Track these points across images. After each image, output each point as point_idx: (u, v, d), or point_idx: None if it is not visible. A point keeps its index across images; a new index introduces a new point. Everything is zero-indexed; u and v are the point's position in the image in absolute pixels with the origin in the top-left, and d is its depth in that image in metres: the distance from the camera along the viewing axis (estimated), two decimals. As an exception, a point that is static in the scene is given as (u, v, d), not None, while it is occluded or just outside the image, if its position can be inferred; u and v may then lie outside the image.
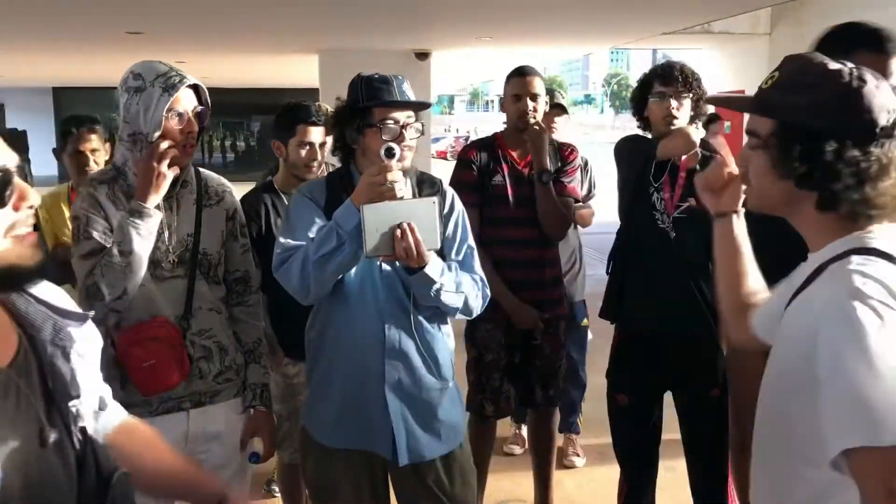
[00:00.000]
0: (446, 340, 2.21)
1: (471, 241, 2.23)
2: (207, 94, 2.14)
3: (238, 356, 2.26)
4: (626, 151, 2.89)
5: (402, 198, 1.95)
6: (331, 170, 2.56)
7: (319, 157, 2.89)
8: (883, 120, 1.24)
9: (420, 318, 2.12)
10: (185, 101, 2.06)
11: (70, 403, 1.20)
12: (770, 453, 1.38)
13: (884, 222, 1.29)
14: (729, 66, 14.19)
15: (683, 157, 2.70)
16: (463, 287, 2.09)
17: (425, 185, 2.22)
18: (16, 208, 1.12)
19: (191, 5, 6.26)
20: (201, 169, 2.27)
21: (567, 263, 3.83)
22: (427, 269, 1.96)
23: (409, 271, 1.98)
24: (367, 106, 2.07)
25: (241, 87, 17.76)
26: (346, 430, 2.13)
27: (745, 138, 1.39)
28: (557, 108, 4.06)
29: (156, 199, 2.03)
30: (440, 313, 2.16)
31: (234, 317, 2.28)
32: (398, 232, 1.88)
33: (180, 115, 2.04)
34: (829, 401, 1.18)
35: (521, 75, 3.14)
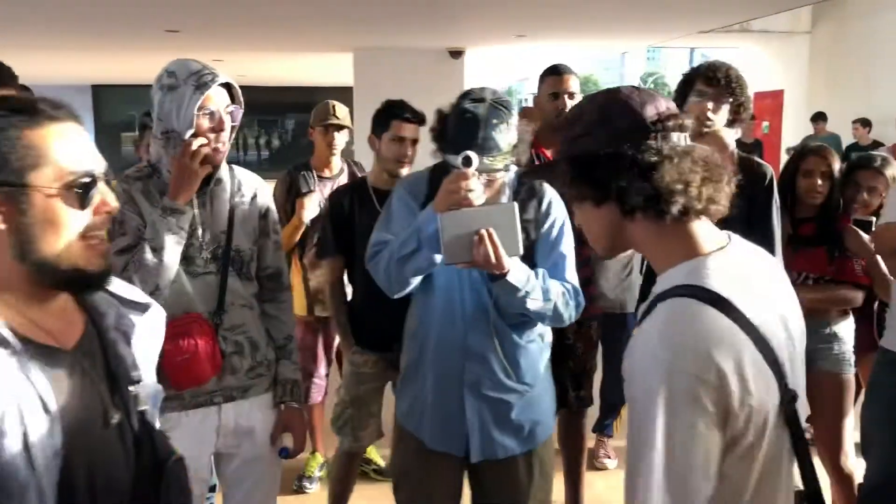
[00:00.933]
0: (531, 347, 2.20)
1: (565, 248, 2.19)
2: (240, 92, 2.14)
3: (269, 352, 2.27)
4: None
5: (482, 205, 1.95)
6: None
7: (410, 153, 3.02)
8: (650, 115, 1.24)
9: (502, 324, 2.14)
10: (218, 100, 2.07)
11: (130, 388, 1.26)
12: None
13: (702, 220, 1.25)
14: (768, 65, 13.97)
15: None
16: (551, 295, 2.07)
17: (524, 188, 2.21)
18: (95, 212, 1.16)
19: (228, 4, 6.33)
20: (235, 167, 2.29)
21: (622, 272, 3.77)
22: (509, 276, 1.95)
23: (493, 278, 1.99)
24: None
25: (276, 85, 17.93)
26: (426, 424, 2.21)
27: None
28: None
29: (188, 196, 2.05)
30: (528, 321, 2.16)
31: (266, 313, 2.29)
32: (476, 238, 1.88)
33: (212, 113, 2.05)
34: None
35: (557, 73, 3.15)
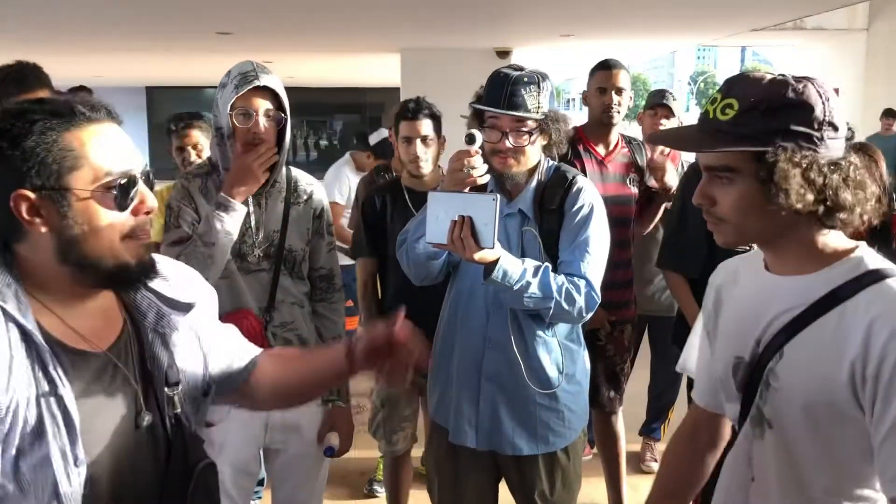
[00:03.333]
0: (552, 344, 2.17)
1: (589, 238, 2.12)
2: (286, 100, 2.15)
3: None
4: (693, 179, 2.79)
5: (483, 189, 1.99)
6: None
7: (422, 152, 2.94)
8: (841, 123, 1.23)
9: (520, 316, 2.13)
10: (257, 103, 2.09)
11: (166, 389, 1.25)
12: (802, 489, 1.29)
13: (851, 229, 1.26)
14: (823, 63, 13.66)
15: None
16: (551, 291, 2.02)
17: (556, 175, 2.20)
18: (135, 213, 1.16)
19: (278, 6, 6.40)
20: (292, 167, 2.32)
21: None
22: (495, 273, 1.94)
23: (484, 274, 1.98)
24: (479, 109, 2.13)
25: (325, 86, 18.08)
26: (452, 415, 2.21)
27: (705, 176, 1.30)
28: (665, 109, 3.86)
29: (244, 195, 2.09)
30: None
31: (316, 312, 2.32)
32: (451, 223, 1.90)
33: (246, 114, 2.08)
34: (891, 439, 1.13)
35: (606, 68, 3.12)
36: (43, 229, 1.10)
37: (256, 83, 2.06)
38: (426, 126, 2.91)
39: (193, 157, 3.31)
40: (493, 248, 1.91)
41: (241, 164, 2.07)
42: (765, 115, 1.20)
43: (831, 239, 1.27)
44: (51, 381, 1.09)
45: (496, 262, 1.95)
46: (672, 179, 3.29)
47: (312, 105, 18.81)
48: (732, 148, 1.22)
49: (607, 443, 3.32)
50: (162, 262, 1.30)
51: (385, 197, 2.99)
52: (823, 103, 1.21)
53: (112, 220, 1.13)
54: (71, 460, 1.09)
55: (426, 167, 2.93)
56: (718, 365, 1.42)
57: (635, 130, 4.28)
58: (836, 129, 1.22)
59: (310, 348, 1.61)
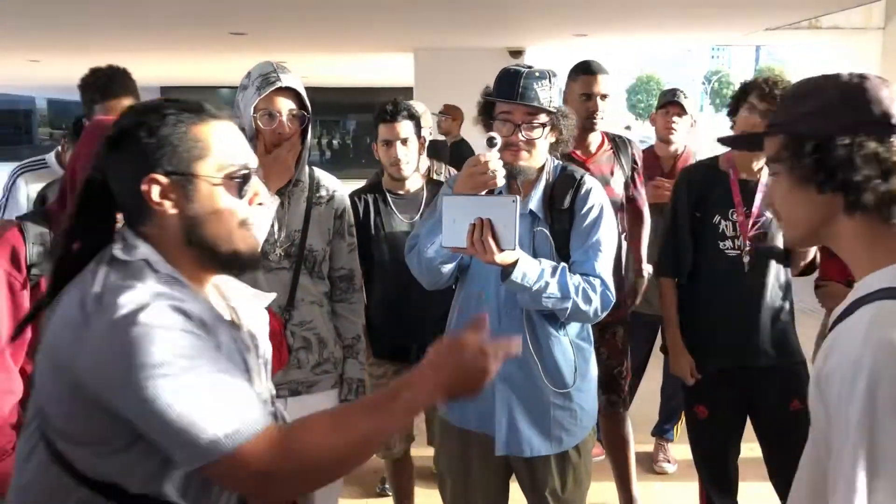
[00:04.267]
0: (565, 343, 2.17)
1: (600, 238, 2.13)
2: (307, 98, 2.16)
3: (337, 350, 2.31)
4: (693, 182, 2.76)
5: (492, 192, 1.98)
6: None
7: (401, 154, 2.86)
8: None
9: (534, 317, 2.13)
10: (280, 104, 2.10)
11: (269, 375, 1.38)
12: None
13: None
14: (838, 63, 13.57)
15: (759, 176, 2.60)
16: (569, 291, 2.02)
17: (564, 175, 2.20)
18: (250, 203, 1.26)
19: (291, 7, 6.43)
20: (315, 168, 2.34)
21: None
22: (514, 274, 1.95)
23: (502, 276, 1.99)
24: (491, 100, 2.13)
25: (338, 86, 18.13)
26: (467, 410, 2.19)
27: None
28: (676, 107, 3.78)
29: (274, 187, 2.12)
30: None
31: (336, 312, 2.33)
32: (471, 225, 1.89)
33: (270, 115, 2.09)
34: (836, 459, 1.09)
35: (590, 73, 2.99)
36: (172, 211, 1.20)
37: (278, 84, 2.08)
38: (405, 128, 2.85)
39: None
40: (514, 249, 1.91)
41: (273, 156, 2.09)
42: (788, 104, 1.26)
43: (878, 235, 1.21)
44: (243, 342, 1.28)
45: (515, 263, 1.95)
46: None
47: (326, 105, 18.86)
48: (765, 137, 1.27)
49: (616, 445, 3.30)
50: None
51: (367, 200, 2.92)
52: (867, 94, 1.20)
53: (232, 206, 1.23)
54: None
55: (407, 169, 2.88)
56: None
57: (649, 130, 4.26)
58: (885, 119, 1.19)
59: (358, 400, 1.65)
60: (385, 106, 2.88)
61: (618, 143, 3.14)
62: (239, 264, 1.27)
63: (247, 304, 1.39)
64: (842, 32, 12.08)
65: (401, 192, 2.93)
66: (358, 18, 7.22)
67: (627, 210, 3.16)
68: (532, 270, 1.98)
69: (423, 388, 1.21)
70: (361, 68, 13.35)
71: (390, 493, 3.58)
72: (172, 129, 1.19)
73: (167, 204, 1.20)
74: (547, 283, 1.99)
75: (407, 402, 1.20)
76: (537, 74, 2.08)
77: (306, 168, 2.26)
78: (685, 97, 3.87)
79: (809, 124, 1.20)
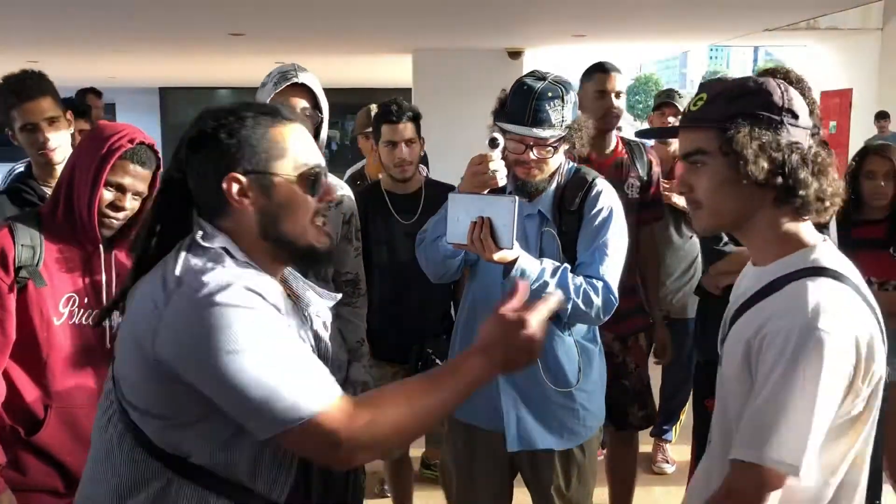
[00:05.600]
0: (569, 343, 2.18)
1: (608, 240, 2.13)
2: (323, 98, 2.20)
3: (342, 353, 2.32)
4: None
5: (501, 190, 2.02)
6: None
7: (405, 155, 2.86)
8: (802, 114, 1.35)
9: None
10: (294, 100, 2.14)
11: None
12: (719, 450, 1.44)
13: (814, 218, 1.37)
14: (837, 63, 13.57)
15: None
16: (569, 292, 2.03)
17: (576, 177, 2.20)
18: (320, 200, 1.33)
19: (290, 8, 6.43)
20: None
21: (685, 275, 3.65)
22: (513, 272, 1.97)
23: (504, 273, 2.01)
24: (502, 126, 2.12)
25: (336, 87, 18.12)
26: (472, 406, 2.16)
27: (680, 166, 1.45)
28: (671, 108, 3.75)
29: None
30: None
31: (340, 316, 2.34)
32: (472, 223, 1.93)
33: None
34: (750, 410, 1.27)
35: (604, 71, 2.98)
36: (250, 208, 1.28)
37: (294, 80, 2.13)
38: (410, 129, 2.84)
39: None
40: (511, 248, 1.93)
41: None
42: (728, 101, 1.36)
43: (795, 228, 1.37)
44: (310, 327, 1.37)
45: (515, 261, 1.98)
46: (679, 199, 3.30)
47: (324, 106, 18.87)
48: (700, 126, 1.38)
49: (625, 466, 3.12)
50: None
51: (365, 202, 2.87)
52: (782, 92, 1.35)
53: (306, 202, 1.31)
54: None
55: (410, 170, 2.88)
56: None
57: (647, 131, 4.26)
58: (795, 116, 1.34)
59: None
60: (389, 106, 2.87)
61: (631, 148, 3.07)
62: (312, 257, 1.34)
63: (313, 297, 1.45)
64: (840, 33, 12.08)
65: (399, 194, 2.93)
66: (356, 19, 7.22)
67: (640, 226, 3.03)
68: (532, 269, 2.00)
69: (481, 367, 1.30)
70: (360, 69, 13.36)
71: (388, 495, 3.58)
72: (252, 131, 1.27)
73: (246, 201, 1.27)
74: (546, 283, 2.00)
75: (467, 380, 1.29)
76: (550, 94, 2.06)
77: None
78: (679, 97, 3.88)
79: (744, 120, 1.32)
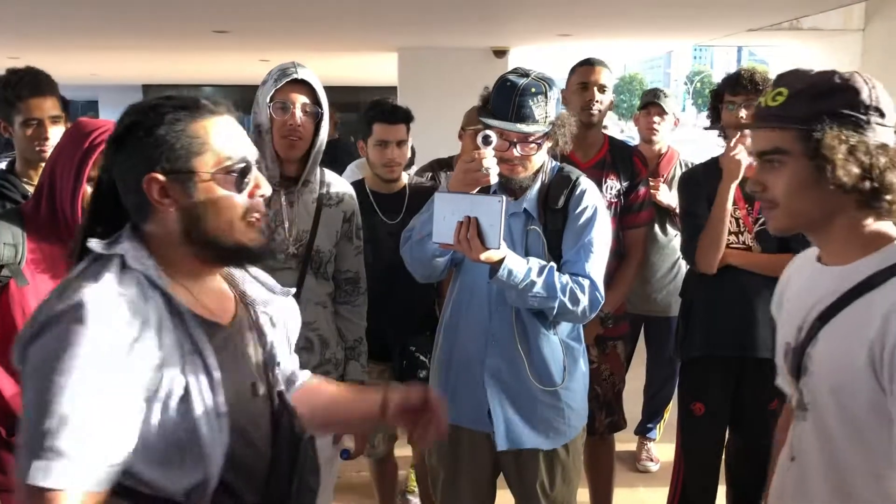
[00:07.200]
0: (554, 341, 2.18)
1: (593, 238, 2.13)
2: (323, 94, 2.21)
3: (339, 351, 2.32)
4: (692, 184, 2.78)
5: (488, 190, 2.01)
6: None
7: (396, 156, 2.86)
8: (889, 112, 1.28)
9: (524, 314, 2.14)
10: (294, 96, 2.14)
11: (276, 368, 1.37)
12: (838, 470, 1.32)
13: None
14: (819, 64, 13.67)
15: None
16: (556, 290, 2.04)
17: (559, 175, 2.20)
18: (250, 195, 1.27)
19: (274, 5, 6.40)
20: (326, 170, 2.35)
21: (670, 273, 3.67)
22: (500, 272, 1.97)
23: (490, 273, 2.00)
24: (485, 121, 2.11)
25: (322, 85, 18.08)
26: (456, 406, 2.19)
27: (756, 164, 1.36)
28: (656, 108, 3.76)
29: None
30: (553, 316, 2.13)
31: (339, 314, 2.35)
32: (457, 223, 1.91)
33: (283, 106, 2.13)
34: None
35: (589, 65, 2.98)
36: (171, 209, 1.21)
37: (294, 76, 2.14)
38: (402, 130, 2.84)
39: None
40: (498, 248, 1.93)
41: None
42: (812, 98, 1.28)
43: (878, 227, 1.30)
44: (193, 343, 1.21)
45: (501, 261, 1.97)
46: (665, 197, 3.38)
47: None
48: (782, 125, 1.28)
49: (598, 471, 3.14)
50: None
51: None
52: (869, 89, 1.28)
53: (231, 200, 1.24)
54: (213, 413, 1.19)
55: (398, 171, 2.88)
56: (778, 351, 1.47)
57: (632, 130, 4.30)
58: (882, 115, 1.27)
59: (346, 387, 1.68)
60: (384, 106, 2.85)
61: (616, 151, 3.03)
62: (244, 257, 1.29)
63: (257, 292, 1.40)
64: (822, 34, 12.19)
65: (384, 193, 2.92)
66: (341, 17, 7.20)
67: (622, 230, 2.99)
68: (518, 269, 1.99)
69: None
70: (345, 67, 13.31)
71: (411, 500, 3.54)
72: (169, 128, 1.20)
73: (167, 202, 1.21)
74: (533, 282, 2.01)
75: None
76: (533, 90, 2.06)
77: (317, 169, 2.27)
78: (665, 97, 3.89)
79: (830, 120, 1.24)
